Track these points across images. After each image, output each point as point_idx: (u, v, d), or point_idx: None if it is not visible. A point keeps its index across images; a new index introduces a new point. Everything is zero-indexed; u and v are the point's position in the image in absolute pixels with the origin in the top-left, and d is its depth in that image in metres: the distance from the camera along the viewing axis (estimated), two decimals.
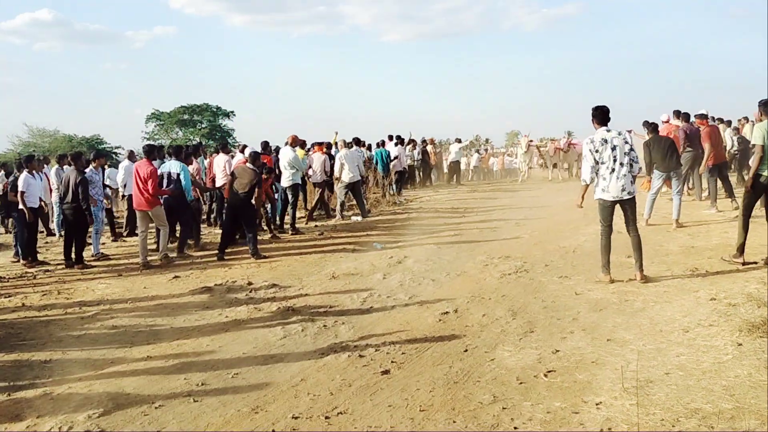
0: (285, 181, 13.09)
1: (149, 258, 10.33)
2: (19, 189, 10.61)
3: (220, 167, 13.09)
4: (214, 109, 52.73)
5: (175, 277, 9.16)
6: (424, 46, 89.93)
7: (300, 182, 13.52)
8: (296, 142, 13.67)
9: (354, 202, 15.48)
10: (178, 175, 10.76)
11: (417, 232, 12.40)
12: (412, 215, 15.34)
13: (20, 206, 10.70)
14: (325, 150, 15.26)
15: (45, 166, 14.30)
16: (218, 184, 13.06)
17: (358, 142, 17.26)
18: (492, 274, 8.17)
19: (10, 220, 12.78)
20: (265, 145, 13.79)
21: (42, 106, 69.77)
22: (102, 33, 76.96)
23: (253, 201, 10.65)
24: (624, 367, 4.69)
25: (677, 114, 13.76)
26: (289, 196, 13.10)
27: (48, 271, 10.21)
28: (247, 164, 10.74)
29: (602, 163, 7.08)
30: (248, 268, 9.58)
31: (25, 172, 10.81)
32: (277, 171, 13.17)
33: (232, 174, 10.76)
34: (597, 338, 5.43)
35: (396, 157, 19.73)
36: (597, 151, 7.08)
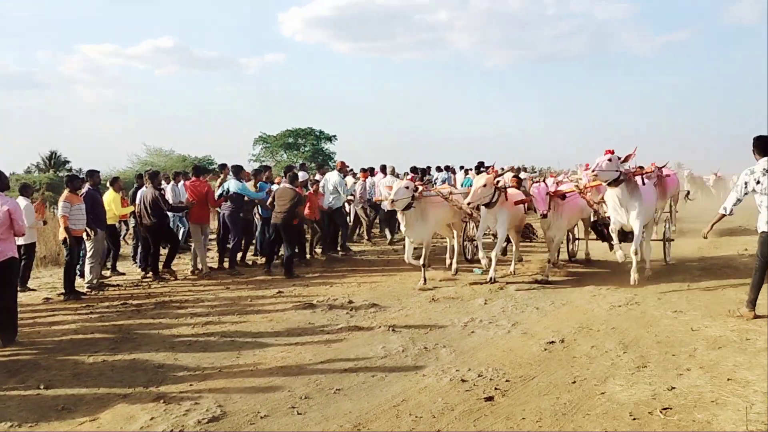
0: (325, 203, 13.07)
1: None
2: (137, 203, 11.23)
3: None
4: (318, 133, 53.89)
5: (279, 292, 9.38)
6: (528, 70, 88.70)
7: (344, 206, 13.62)
8: (344, 169, 13.80)
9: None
10: (235, 193, 11.38)
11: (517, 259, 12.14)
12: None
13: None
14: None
15: (163, 182, 15.08)
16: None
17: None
18: (600, 305, 7.87)
19: (128, 231, 13.55)
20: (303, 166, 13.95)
21: (160, 127, 73.77)
22: (218, 59, 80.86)
23: (294, 220, 10.89)
24: (747, 408, 4.37)
25: None
26: (336, 219, 13.19)
27: (162, 280, 10.70)
28: (286, 184, 10.99)
29: (764, 194, 6.73)
30: (348, 287, 9.68)
31: (149, 187, 11.41)
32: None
33: (273, 196, 11.04)
34: (716, 377, 5.10)
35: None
36: (758, 182, 6.74)
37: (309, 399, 5.05)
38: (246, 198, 11.49)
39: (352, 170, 15.85)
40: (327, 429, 4.47)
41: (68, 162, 46.55)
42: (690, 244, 12.58)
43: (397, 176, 15.64)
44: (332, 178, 13.16)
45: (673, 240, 11.09)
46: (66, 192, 9.50)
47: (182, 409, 4.86)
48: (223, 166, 13.13)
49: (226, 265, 11.59)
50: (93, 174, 10.37)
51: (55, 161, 46.75)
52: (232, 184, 11.37)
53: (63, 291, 9.47)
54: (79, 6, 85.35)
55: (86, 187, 10.11)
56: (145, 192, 10.99)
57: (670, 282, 9.09)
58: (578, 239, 12.00)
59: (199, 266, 11.26)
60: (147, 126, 73.43)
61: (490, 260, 9.47)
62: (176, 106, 76.74)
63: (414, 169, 17.57)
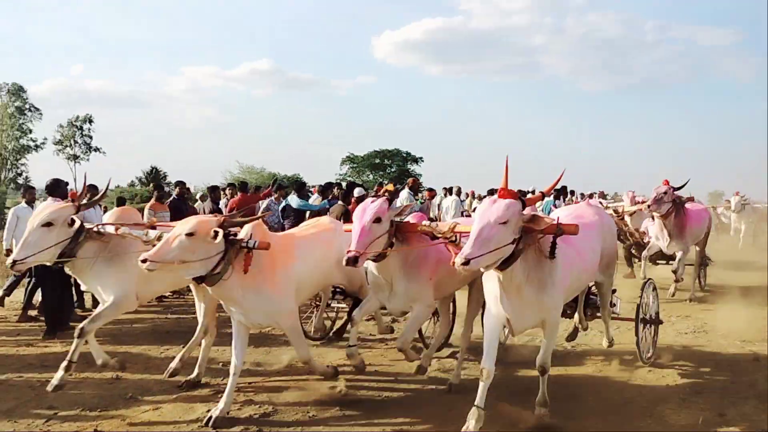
0: None
1: None
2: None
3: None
4: (404, 154, 54.19)
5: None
6: (626, 95, 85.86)
7: None
8: (416, 186, 13.69)
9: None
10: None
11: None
12: None
13: None
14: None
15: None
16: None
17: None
18: (666, 331, 7.65)
19: None
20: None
21: (253, 145, 76.87)
22: (311, 81, 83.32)
23: None
24: None
25: None
26: None
27: None
28: (339, 201, 11.22)
29: None
30: None
31: (208, 201, 12.06)
32: None
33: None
34: None
35: None
36: None
37: (358, 402, 5.24)
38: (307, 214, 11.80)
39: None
40: (371, 430, 4.64)
41: (166, 177, 48.98)
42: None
43: (465, 196, 15.60)
44: (402, 195, 13.32)
45: (662, 323, 6.74)
46: (152, 200, 10.17)
47: (237, 404, 5.14)
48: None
49: None
50: (179, 184, 11.02)
51: (154, 176, 49.22)
52: (293, 200, 11.75)
53: None
54: (185, 30, 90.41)
55: (173, 196, 10.77)
56: (203, 205, 11.55)
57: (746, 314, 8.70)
58: None
59: None
60: (241, 144, 76.50)
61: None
62: (270, 126, 79.49)
63: (492, 192, 17.42)
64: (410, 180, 13.82)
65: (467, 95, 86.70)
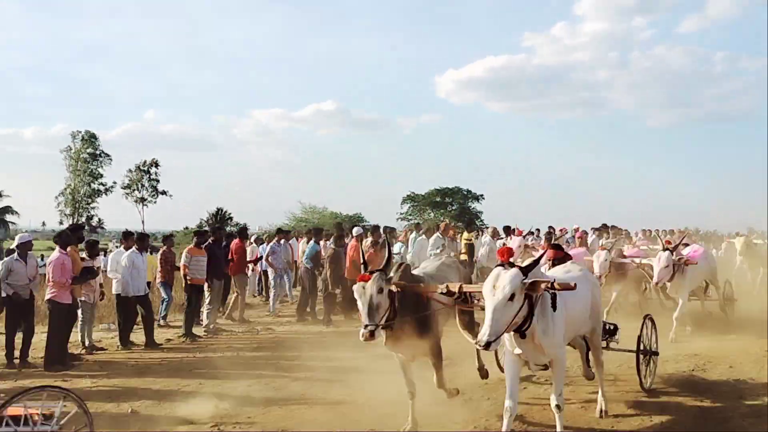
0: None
1: None
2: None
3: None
4: (465, 192, 53.90)
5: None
6: (694, 131, 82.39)
7: None
8: (447, 231, 14.01)
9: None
10: None
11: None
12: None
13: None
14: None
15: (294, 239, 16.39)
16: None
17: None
18: (665, 368, 7.77)
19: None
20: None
21: (318, 185, 78.70)
22: (376, 121, 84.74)
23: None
24: None
25: None
26: None
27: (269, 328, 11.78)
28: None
29: None
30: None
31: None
32: None
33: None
34: None
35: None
36: None
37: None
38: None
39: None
40: None
41: (231, 218, 50.48)
42: None
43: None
44: (433, 237, 13.69)
45: None
46: (192, 245, 10.94)
47: None
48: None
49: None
50: (216, 230, 11.82)
51: (221, 217, 50.87)
52: (310, 244, 12.53)
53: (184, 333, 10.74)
54: (253, 74, 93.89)
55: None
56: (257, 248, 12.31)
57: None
58: None
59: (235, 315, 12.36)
60: (306, 184, 78.28)
61: None
62: (335, 165, 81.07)
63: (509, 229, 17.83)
64: (442, 224, 14.34)
65: (530, 131, 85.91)
